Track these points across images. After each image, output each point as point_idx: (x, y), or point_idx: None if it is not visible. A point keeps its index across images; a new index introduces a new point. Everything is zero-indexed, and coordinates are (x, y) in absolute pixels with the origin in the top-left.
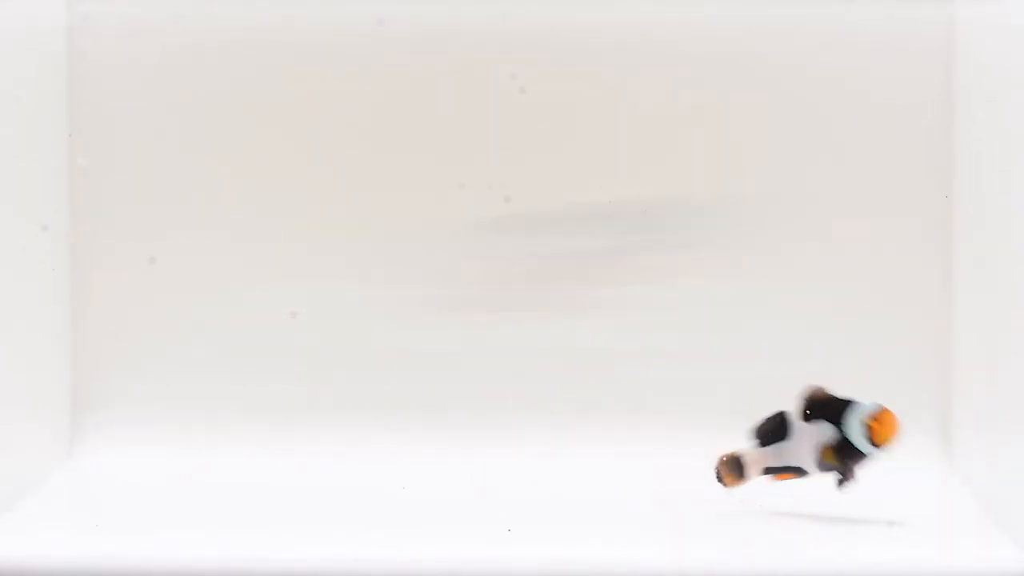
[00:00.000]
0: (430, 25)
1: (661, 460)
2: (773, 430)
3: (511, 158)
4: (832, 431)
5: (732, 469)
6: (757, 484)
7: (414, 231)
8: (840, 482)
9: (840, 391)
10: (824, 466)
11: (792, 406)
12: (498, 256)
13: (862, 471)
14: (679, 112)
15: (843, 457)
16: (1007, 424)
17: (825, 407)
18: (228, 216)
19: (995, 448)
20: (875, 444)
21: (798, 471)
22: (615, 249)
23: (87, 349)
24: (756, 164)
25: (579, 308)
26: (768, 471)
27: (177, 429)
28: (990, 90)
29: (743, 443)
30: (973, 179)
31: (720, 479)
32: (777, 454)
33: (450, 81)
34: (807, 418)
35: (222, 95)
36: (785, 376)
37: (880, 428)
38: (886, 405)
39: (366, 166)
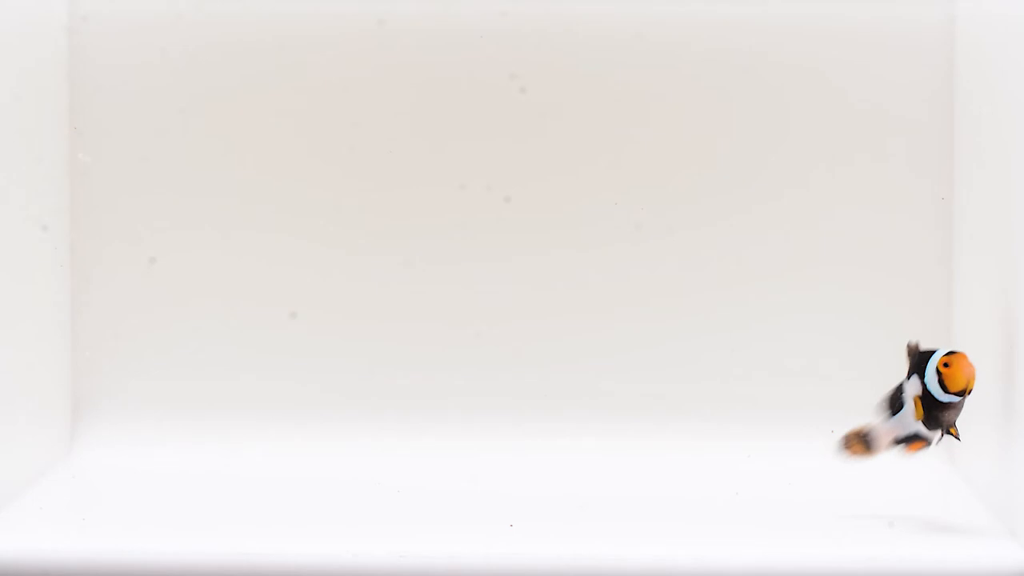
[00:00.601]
0: (430, 25)
1: (661, 457)
2: (893, 400)
3: (511, 158)
4: (919, 384)
5: (859, 442)
6: (889, 456)
7: (414, 231)
8: (946, 434)
9: (931, 343)
10: (924, 423)
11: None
12: (498, 257)
13: (956, 422)
14: (679, 112)
15: (930, 409)
16: (1008, 424)
17: (917, 361)
18: (228, 216)
19: (995, 448)
20: (949, 391)
21: (921, 438)
22: (615, 248)
23: (87, 349)
24: (756, 164)
25: (579, 307)
26: (898, 442)
27: (177, 428)
28: (990, 90)
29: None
30: (973, 179)
31: (846, 449)
32: (899, 424)
33: (450, 81)
34: (908, 375)
35: (222, 95)
36: (785, 375)
37: (950, 373)
38: (960, 350)
39: (366, 166)
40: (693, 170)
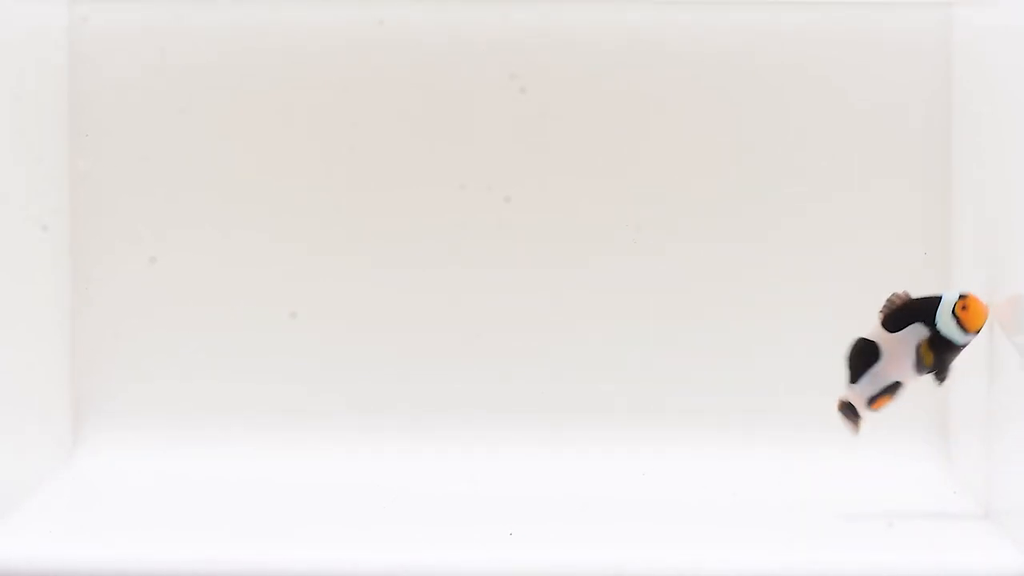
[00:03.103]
0: (430, 25)
1: (661, 460)
2: (861, 358)
3: (511, 158)
4: (924, 331)
5: (849, 415)
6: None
7: (414, 231)
8: (939, 380)
9: (921, 292)
10: (923, 368)
11: (867, 331)
12: (498, 258)
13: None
14: (679, 112)
15: (940, 353)
16: (1006, 424)
17: (912, 311)
18: (228, 216)
19: (994, 448)
20: (967, 331)
21: (892, 389)
22: (615, 249)
23: (87, 349)
24: (755, 164)
25: (579, 307)
26: (869, 402)
27: (177, 430)
28: (988, 91)
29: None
30: (971, 179)
31: (849, 426)
32: (872, 381)
33: (450, 81)
34: (896, 327)
35: (222, 96)
36: (786, 375)
37: (970, 315)
38: (969, 292)
39: (366, 166)
40: (692, 171)
